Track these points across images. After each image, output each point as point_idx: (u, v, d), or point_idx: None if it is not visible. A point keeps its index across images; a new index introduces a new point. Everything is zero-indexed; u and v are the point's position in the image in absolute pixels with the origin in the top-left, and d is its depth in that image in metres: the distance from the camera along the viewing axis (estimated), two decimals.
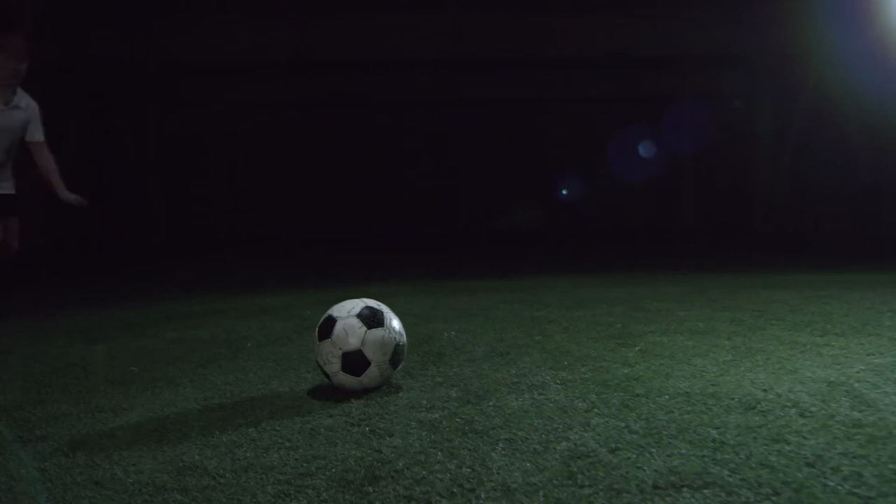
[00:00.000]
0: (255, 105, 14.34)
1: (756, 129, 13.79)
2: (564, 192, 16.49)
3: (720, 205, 14.90)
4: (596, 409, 2.02)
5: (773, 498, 1.43)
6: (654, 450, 1.69)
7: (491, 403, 2.12)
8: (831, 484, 1.48)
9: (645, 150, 15.11)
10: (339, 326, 2.23)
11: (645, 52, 12.29)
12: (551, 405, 2.08)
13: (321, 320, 2.30)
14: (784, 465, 1.58)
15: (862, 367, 2.43)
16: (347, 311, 2.27)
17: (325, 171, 15.29)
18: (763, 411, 1.97)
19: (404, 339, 2.31)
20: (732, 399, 2.09)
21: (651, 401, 2.09)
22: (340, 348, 2.21)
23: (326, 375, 2.27)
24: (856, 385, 2.19)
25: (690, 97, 14.13)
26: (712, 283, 5.09)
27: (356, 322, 2.22)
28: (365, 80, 13.10)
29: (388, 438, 1.84)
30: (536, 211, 15.49)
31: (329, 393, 2.28)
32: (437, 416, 2.01)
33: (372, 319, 2.24)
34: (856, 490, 1.45)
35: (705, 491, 1.46)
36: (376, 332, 2.22)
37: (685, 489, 1.47)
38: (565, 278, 5.85)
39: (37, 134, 3.61)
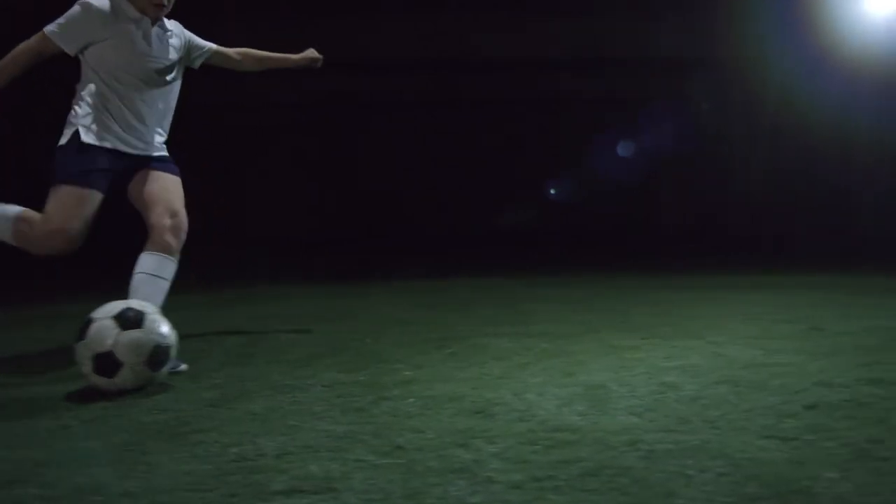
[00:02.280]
0: (253, 104, 14.35)
1: (727, 132, 13.76)
2: (553, 191, 16.49)
3: (695, 207, 14.87)
4: (328, 415, 1.98)
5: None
6: (324, 453, 1.65)
7: (239, 406, 2.09)
8: (460, 493, 1.43)
9: (623, 150, 15.09)
10: (93, 328, 2.21)
11: (611, 54, 12.34)
12: (285, 408, 2.05)
13: (82, 322, 2.27)
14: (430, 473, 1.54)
15: (642, 371, 2.41)
16: (106, 312, 2.25)
17: (323, 170, 15.31)
18: (491, 415, 1.94)
19: (170, 341, 2.29)
20: (475, 402, 2.06)
21: (388, 405, 2.06)
22: (93, 350, 2.18)
23: (84, 376, 2.25)
24: (604, 392, 2.16)
25: (661, 100, 14.13)
26: (608, 285, 5.08)
27: (111, 323, 2.20)
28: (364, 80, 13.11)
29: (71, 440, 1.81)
30: (528, 211, 15.53)
31: (86, 395, 2.25)
32: (161, 417, 1.98)
33: (130, 321, 2.21)
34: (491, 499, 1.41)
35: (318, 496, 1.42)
36: (132, 334, 2.20)
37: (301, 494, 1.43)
38: (483, 279, 5.84)
39: (205, 44, 2.92)
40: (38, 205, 2.66)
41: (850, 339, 2.88)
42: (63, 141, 2.62)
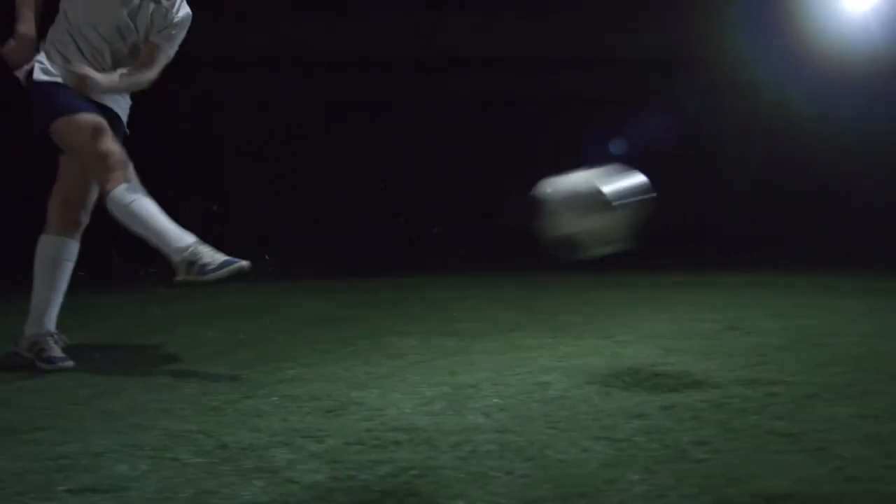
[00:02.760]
0: (250, 103, 14.38)
1: (720, 131, 13.67)
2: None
3: (684, 206, 14.78)
4: (180, 414, 1.96)
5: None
6: (145, 452, 1.64)
7: (99, 403, 2.07)
8: (250, 494, 1.42)
9: (614, 149, 15.02)
10: None
11: (599, 53, 12.28)
12: (142, 406, 2.04)
13: None
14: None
15: (525, 371, 2.39)
16: None
17: (318, 170, 15.31)
18: (341, 414, 1.93)
19: None
20: (335, 401, 2.05)
21: (246, 404, 2.05)
22: None
23: None
24: (472, 392, 2.14)
25: (649, 99, 14.05)
26: (558, 283, 5.05)
27: None
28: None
29: None
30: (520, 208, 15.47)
31: None
32: (9, 416, 1.98)
33: None
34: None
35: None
36: None
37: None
38: (435, 277, 5.81)
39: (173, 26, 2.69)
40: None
41: (758, 339, 2.85)
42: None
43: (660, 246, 10.14)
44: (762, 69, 9.93)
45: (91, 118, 2.56)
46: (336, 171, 15.16)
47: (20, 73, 2.61)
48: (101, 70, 2.58)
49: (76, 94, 2.56)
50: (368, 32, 11.56)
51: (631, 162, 2.45)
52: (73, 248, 2.63)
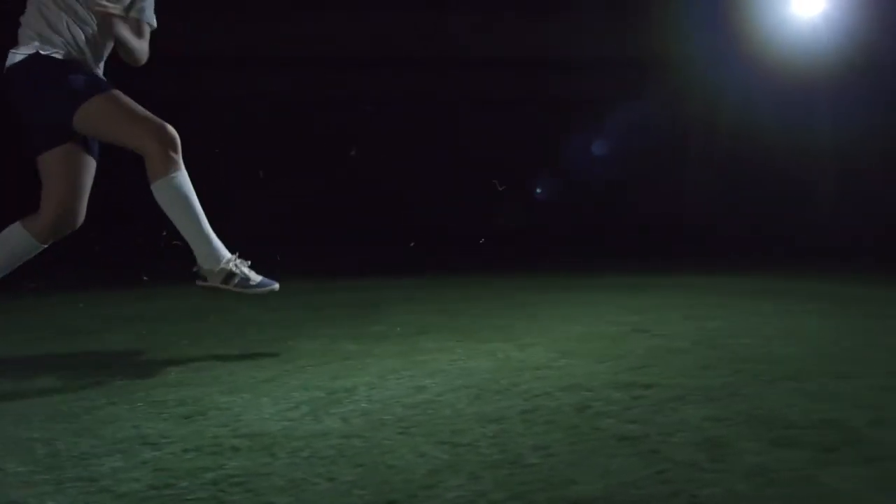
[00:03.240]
0: (246, 100, 14.25)
1: (685, 131, 13.78)
2: (539, 190, 16.51)
3: (654, 206, 14.89)
4: (24, 422, 1.92)
5: None
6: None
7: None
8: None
9: (598, 148, 15.04)
10: None
11: (565, 54, 12.32)
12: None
13: None
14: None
15: (409, 374, 2.37)
16: None
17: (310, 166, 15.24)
18: (195, 419, 1.90)
19: None
20: (196, 406, 2.02)
21: (105, 412, 2.01)
22: None
23: None
24: (342, 397, 2.12)
25: (618, 100, 14.13)
26: (505, 286, 5.05)
27: None
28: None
29: None
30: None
31: None
32: None
33: None
34: None
35: None
36: None
37: None
38: (388, 279, 5.79)
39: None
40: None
41: (660, 342, 2.85)
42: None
43: (621, 245, 10.27)
44: (719, 73, 10.04)
45: (123, 96, 2.50)
46: (318, 170, 15.20)
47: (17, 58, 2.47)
48: (94, 45, 2.53)
49: (89, 72, 2.51)
50: (368, 32, 11.57)
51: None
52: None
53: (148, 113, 2.51)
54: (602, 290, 4.74)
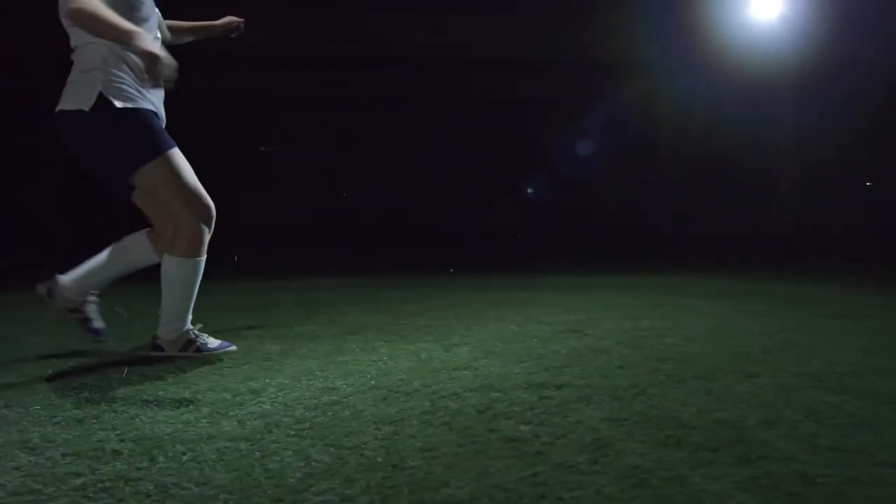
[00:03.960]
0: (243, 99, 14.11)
1: (657, 136, 13.87)
2: (530, 190, 16.53)
3: (622, 207, 14.99)
4: None
5: None
6: None
7: None
8: None
9: (583, 148, 15.10)
10: None
11: (540, 56, 12.35)
12: None
13: None
14: None
15: (322, 376, 2.34)
16: None
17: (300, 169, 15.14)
18: (82, 423, 1.86)
19: None
20: (79, 409, 1.97)
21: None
22: None
23: None
24: (247, 398, 2.09)
25: (592, 102, 14.20)
26: (456, 286, 5.04)
27: None
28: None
29: None
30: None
31: None
32: None
33: None
34: None
35: None
36: None
37: None
38: (349, 279, 5.76)
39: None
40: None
41: (588, 342, 2.85)
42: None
43: (581, 246, 10.31)
44: (681, 76, 10.12)
45: (181, 156, 2.45)
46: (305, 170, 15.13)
47: (76, 104, 2.33)
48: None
49: (157, 121, 2.43)
50: (368, 32, 11.48)
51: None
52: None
53: (198, 183, 2.49)
54: (548, 289, 4.75)
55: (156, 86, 2.25)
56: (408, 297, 4.50)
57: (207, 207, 2.49)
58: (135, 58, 2.34)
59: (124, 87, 2.37)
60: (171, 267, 2.49)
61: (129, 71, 2.39)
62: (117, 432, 1.77)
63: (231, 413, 1.93)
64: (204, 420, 1.88)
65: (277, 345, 2.89)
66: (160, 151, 2.40)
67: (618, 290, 4.71)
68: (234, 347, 2.66)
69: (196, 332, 2.61)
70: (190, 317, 2.61)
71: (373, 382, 2.24)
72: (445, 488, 1.38)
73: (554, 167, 15.22)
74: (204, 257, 2.53)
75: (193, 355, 2.56)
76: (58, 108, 2.41)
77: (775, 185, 10.23)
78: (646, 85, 11.54)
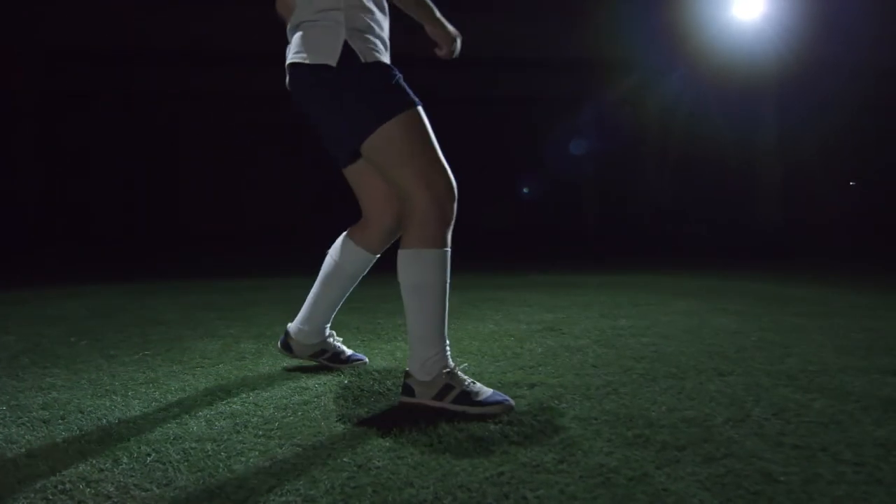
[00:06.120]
0: (240, 98, 14.00)
1: (642, 135, 13.91)
2: (525, 190, 16.51)
3: (609, 207, 15.02)
4: None
5: None
6: None
7: None
8: None
9: (576, 147, 15.10)
10: None
11: (523, 54, 12.35)
12: None
13: None
14: None
15: (252, 377, 2.33)
16: None
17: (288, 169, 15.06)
18: (44, 421, 1.84)
19: None
20: (48, 411, 1.95)
21: None
22: None
23: None
24: (155, 402, 2.07)
25: (581, 101, 14.23)
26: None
27: None
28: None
29: None
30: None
31: None
32: None
33: None
34: None
35: None
36: None
37: None
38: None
39: None
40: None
41: (565, 341, 2.85)
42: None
43: (568, 245, 10.29)
44: (666, 75, 10.16)
45: (423, 116, 1.90)
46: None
47: (318, 56, 1.86)
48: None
49: (400, 74, 1.91)
50: None
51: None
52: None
53: (440, 152, 1.92)
54: (529, 288, 4.75)
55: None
56: (386, 295, 4.49)
57: (449, 183, 1.91)
58: None
59: (370, 35, 1.91)
60: (411, 266, 1.94)
61: (374, 9, 1.96)
62: (82, 433, 1.75)
63: (200, 413, 1.91)
64: (172, 420, 1.86)
65: (253, 344, 2.88)
66: (407, 105, 1.88)
67: (597, 289, 4.72)
68: (512, 402, 1.89)
69: (458, 371, 1.91)
70: (447, 343, 1.96)
71: (346, 382, 2.23)
72: (409, 488, 1.38)
73: (539, 166, 15.24)
74: (449, 248, 1.95)
75: (454, 408, 1.84)
76: (291, 60, 1.95)
77: (758, 183, 10.29)
78: (629, 84, 11.57)
